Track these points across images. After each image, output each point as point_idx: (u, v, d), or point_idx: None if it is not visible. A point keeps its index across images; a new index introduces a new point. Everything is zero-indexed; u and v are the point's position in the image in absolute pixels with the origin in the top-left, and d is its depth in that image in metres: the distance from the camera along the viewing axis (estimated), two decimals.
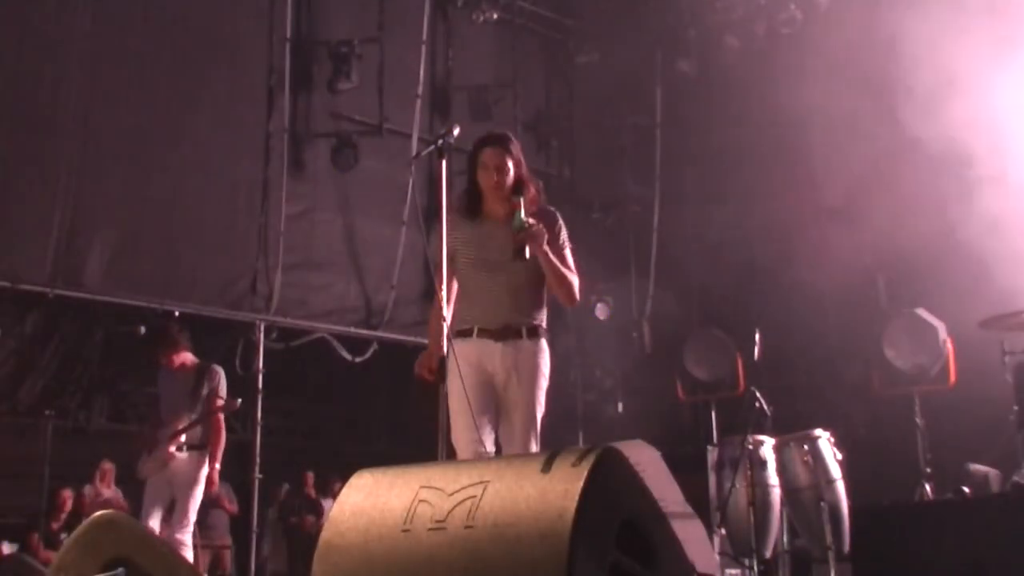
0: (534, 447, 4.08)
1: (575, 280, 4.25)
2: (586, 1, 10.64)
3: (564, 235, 4.30)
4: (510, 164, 4.20)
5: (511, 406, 4.10)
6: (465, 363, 4.01)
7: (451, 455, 3.91)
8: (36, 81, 7.68)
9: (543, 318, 4.25)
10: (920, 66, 7.63)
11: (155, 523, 6.35)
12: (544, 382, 4.16)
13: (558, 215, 4.33)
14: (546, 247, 4.06)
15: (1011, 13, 7.53)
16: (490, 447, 4.03)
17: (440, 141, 3.93)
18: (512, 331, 4.11)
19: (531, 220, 4.02)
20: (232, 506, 9.46)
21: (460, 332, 4.13)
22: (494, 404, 4.11)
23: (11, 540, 8.02)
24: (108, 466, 9.14)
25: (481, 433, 3.96)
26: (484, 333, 4.11)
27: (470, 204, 4.25)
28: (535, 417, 4.10)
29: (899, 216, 7.87)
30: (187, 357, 6.68)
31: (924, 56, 7.59)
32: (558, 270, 4.17)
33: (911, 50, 7.65)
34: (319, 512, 11.13)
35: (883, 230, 8.23)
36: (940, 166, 7.43)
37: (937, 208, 7.50)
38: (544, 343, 4.21)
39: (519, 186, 4.18)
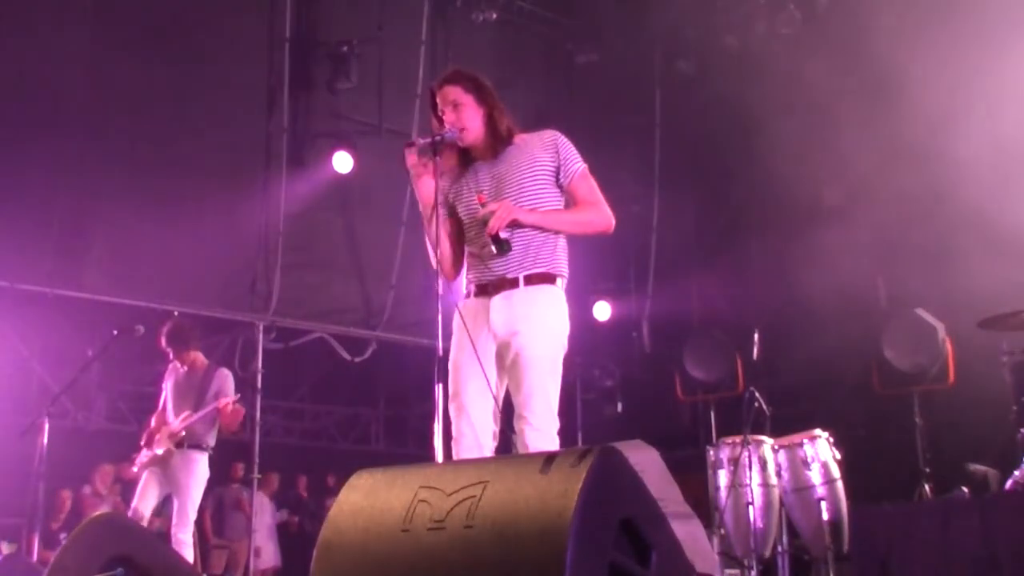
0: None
1: (594, 214, 3.78)
2: (586, 1, 10.63)
3: (566, 156, 3.78)
4: (471, 97, 3.88)
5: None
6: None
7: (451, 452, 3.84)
8: (36, 81, 7.67)
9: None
10: (919, 66, 7.63)
11: (146, 515, 6.34)
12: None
13: (558, 137, 3.85)
14: (520, 216, 3.62)
15: (1007, 13, 7.54)
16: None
17: (438, 138, 3.82)
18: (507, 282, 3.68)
19: (490, 207, 3.62)
20: (252, 509, 9.48)
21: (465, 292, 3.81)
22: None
23: (10, 540, 8.02)
24: (107, 467, 9.15)
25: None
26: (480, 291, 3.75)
27: (459, 158, 3.87)
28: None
29: (899, 216, 7.87)
30: (197, 357, 6.68)
31: (924, 56, 7.59)
32: (564, 222, 3.76)
33: (910, 50, 7.66)
34: (311, 513, 11.17)
35: (883, 230, 8.23)
36: (940, 166, 7.42)
37: (937, 208, 7.50)
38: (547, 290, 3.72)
39: (493, 122, 3.84)
